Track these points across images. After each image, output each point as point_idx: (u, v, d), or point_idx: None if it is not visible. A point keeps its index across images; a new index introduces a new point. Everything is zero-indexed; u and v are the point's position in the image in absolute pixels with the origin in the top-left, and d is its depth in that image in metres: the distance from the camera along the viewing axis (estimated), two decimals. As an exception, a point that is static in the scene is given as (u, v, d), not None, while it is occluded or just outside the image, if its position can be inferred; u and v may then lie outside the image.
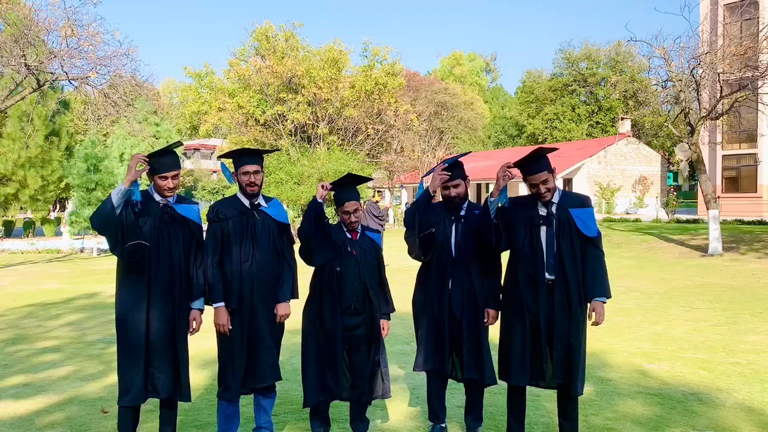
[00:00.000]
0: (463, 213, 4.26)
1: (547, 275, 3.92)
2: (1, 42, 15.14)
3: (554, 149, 4.28)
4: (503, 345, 4.09)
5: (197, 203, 4.23)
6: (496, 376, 4.17)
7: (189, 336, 4.07)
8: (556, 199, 4.00)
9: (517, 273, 3.99)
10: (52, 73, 15.85)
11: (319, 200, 4.07)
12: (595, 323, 3.91)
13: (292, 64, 29.09)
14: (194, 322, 4.03)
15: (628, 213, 33.69)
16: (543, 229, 3.96)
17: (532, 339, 3.92)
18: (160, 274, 3.89)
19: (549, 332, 3.89)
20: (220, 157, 4.34)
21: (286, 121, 29.44)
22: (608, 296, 3.94)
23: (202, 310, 4.07)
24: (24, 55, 14.74)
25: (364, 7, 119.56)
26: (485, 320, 4.21)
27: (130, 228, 3.78)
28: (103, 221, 3.78)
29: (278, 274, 4.16)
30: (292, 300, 4.23)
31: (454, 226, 4.23)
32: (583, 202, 4.08)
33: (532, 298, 3.92)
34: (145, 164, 3.85)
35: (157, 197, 3.97)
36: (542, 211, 3.99)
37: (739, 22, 27.44)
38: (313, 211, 4.06)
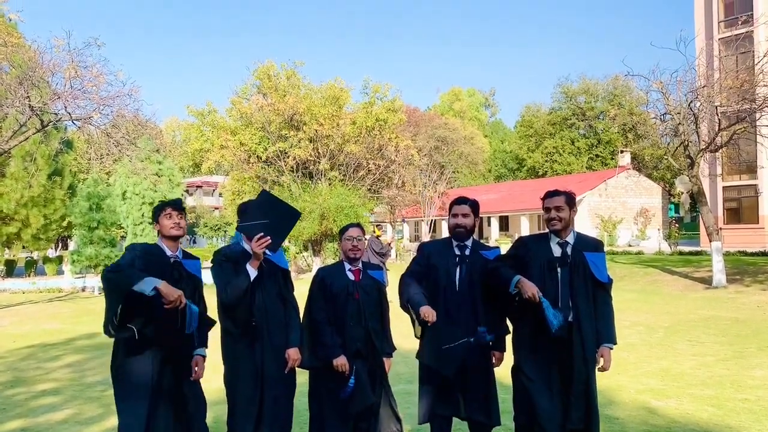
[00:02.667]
0: (467, 252, 4.19)
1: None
2: (6, 84, 15.33)
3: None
4: (521, 390, 3.96)
5: (198, 258, 4.14)
6: (500, 415, 4.10)
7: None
8: (571, 240, 3.97)
9: (533, 314, 3.88)
10: (55, 113, 16.00)
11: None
12: (602, 369, 3.87)
13: (293, 102, 29.35)
14: (197, 367, 3.90)
15: (630, 245, 33.62)
16: (558, 270, 3.91)
17: (552, 383, 3.83)
18: (169, 333, 3.72)
19: (568, 375, 3.81)
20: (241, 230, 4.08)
21: (288, 157, 29.58)
22: (615, 342, 3.92)
23: (204, 357, 3.98)
24: (28, 96, 14.91)
25: (365, 45, 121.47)
26: (492, 362, 4.15)
27: None
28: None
29: (285, 319, 4.12)
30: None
31: (458, 268, 4.15)
32: (597, 246, 4.06)
33: (553, 340, 3.81)
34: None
35: (168, 251, 3.86)
36: (557, 252, 3.95)
37: (735, 56, 27.81)
38: None
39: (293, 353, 4.05)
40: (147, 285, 3.46)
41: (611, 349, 3.89)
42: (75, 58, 15.20)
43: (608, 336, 3.89)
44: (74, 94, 15.34)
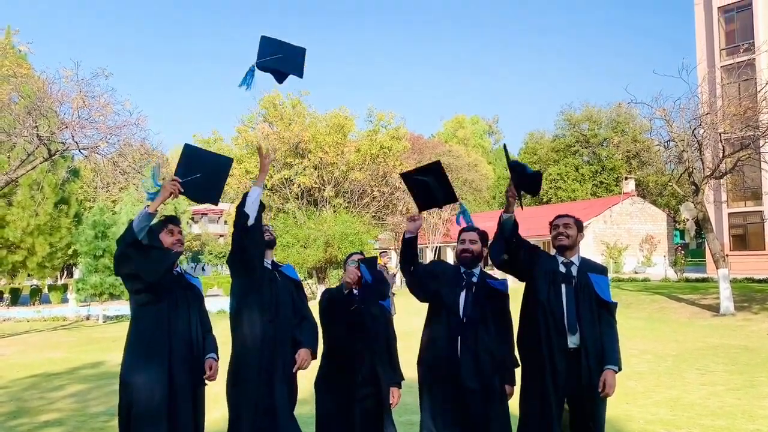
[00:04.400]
0: (474, 279, 4.13)
1: (569, 336, 3.80)
2: (15, 114, 15.51)
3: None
4: (527, 415, 3.89)
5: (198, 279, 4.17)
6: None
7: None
8: (576, 261, 3.99)
9: (538, 334, 3.84)
10: (63, 142, 16.14)
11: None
12: (605, 394, 3.72)
13: (298, 130, 29.62)
14: (210, 369, 3.85)
15: (636, 272, 33.42)
16: (563, 287, 3.89)
17: (557, 408, 3.77)
18: (179, 341, 3.73)
19: (574, 399, 3.75)
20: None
21: (293, 185, 29.76)
22: (620, 367, 3.81)
23: (216, 360, 3.94)
24: (36, 126, 15.06)
25: (369, 74, 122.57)
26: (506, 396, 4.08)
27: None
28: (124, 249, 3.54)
29: (293, 336, 4.07)
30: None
31: (464, 293, 4.06)
32: (602, 270, 4.08)
33: (558, 361, 3.76)
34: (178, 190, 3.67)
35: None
36: (562, 269, 3.95)
37: (737, 83, 27.95)
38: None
39: (304, 353, 3.98)
40: (142, 215, 3.55)
41: (615, 372, 3.76)
42: (83, 88, 15.40)
43: (612, 358, 3.77)
44: (82, 124, 15.51)
